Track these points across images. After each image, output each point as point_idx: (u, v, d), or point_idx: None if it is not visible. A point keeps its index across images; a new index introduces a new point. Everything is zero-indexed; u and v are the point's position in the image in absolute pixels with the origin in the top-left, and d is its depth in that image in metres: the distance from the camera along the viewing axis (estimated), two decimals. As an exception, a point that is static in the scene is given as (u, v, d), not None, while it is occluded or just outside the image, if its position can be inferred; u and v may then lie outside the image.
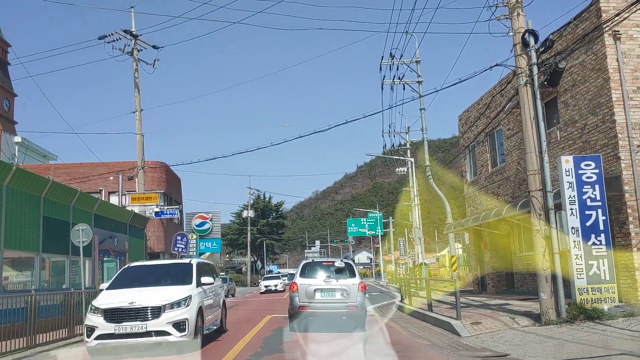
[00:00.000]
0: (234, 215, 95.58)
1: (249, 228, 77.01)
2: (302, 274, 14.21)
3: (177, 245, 24.76)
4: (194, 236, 41.62)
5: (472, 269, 26.08)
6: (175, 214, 28.45)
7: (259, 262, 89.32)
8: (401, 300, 23.13)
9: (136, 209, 28.07)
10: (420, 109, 34.80)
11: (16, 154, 35.48)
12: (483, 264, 24.45)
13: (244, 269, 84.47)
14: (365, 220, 73.27)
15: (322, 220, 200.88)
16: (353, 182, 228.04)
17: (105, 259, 22.32)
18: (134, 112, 28.92)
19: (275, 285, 42.45)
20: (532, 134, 12.79)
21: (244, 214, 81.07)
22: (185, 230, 43.51)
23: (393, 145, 50.32)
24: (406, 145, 50.19)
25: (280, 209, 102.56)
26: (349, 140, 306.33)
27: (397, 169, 52.13)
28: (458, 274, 32.99)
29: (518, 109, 19.44)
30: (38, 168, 33.30)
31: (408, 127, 35.26)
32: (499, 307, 16.29)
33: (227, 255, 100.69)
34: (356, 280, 13.89)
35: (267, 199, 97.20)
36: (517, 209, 17.76)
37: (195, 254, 42.15)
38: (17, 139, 36.06)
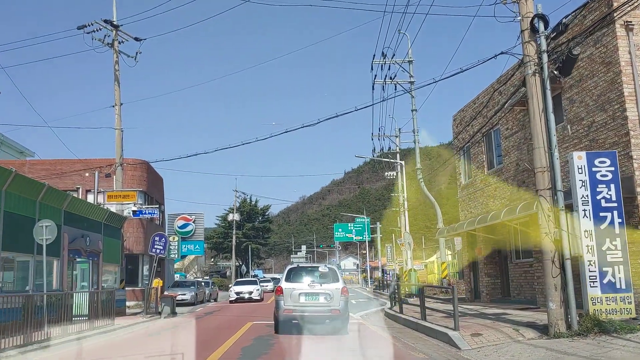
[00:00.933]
0: (220, 218, 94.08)
1: (234, 231, 75.57)
2: (288, 279, 14.68)
3: (155, 246, 23.39)
4: (176, 238, 40.24)
5: (465, 276, 24.95)
6: (154, 213, 27.05)
7: (244, 267, 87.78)
8: (391, 307, 21.94)
9: (113, 208, 26.67)
10: (412, 110, 33.77)
11: (-10, 149, 33.90)
12: (476, 270, 23.33)
13: (228, 273, 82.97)
14: (352, 225, 72.16)
15: (308, 226, 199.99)
16: (340, 188, 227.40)
17: (78, 259, 20.89)
18: (113, 106, 27.53)
19: (250, 293, 34.14)
20: (541, 128, 11.66)
21: (230, 217, 79.67)
22: (167, 232, 42.06)
23: (382, 149, 49.37)
24: (396, 150, 49.25)
25: (267, 213, 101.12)
26: (337, 146, 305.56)
27: (386, 173, 51.15)
28: (448, 280, 31.86)
29: (519, 106, 18.40)
30: (12, 164, 31.71)
31: (399, 129, 34.30)
32: (497, 317, 15.14)
33: (212, 260, 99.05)
34: (339, 284, 14.43)
35: (253, 203, 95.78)
36: (516, 212, 16.64)
37: (177, 256, 40.75)
38: (-9, 133, 34.47)
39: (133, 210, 24.65)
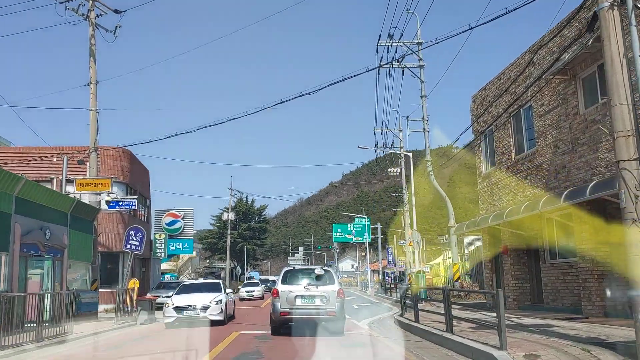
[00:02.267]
0: (214, 218, 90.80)
1: (229, 231, 72.46)
2: (284, 281, 14.59)
3: (130, 241, 20.36)
4: (163, 235, 37.14)
5: (486, 278, 21.89)
6: (132, 205, 23.93)
7: (238, 268, 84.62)
8: (401, 314, 18.87)
9: (87, 200, 23.61)
10: (422, 97, 30.80)
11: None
12: (500, 272, 20.27)
13: (222, 275, 79.77)
14: (352, 225, 68.98)
15: (306, 228, 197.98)
16: (338, 190, 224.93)
17: (34, 255, 17.75)
18: (88, 85, 24.50)
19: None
20: (623, 78, 8.64)
21: (225, 216, 76.49)
22: (154, 229, 38.97)
23: (385, 144, 46.41)
24: (400, 145, 46.19)
25: (263, 213, 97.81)
26: (335, 148, 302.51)
27: (389, 170, 48.10)
28: (461, 283, 28.83)
29: (561, 76, 15.41)
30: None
31: (407, 117, 31.01)
32: (543, 330, 12.07)
33: (207, 260, 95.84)
34: (335, 287, 14.37)
35: (249, 202, 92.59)
36: (561, 200, 13.63)
37: (163, 255, 37.63)
38: (-41, 118, 31.34)
39: (107, 201, 21.53)
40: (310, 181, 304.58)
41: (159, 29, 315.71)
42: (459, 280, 28.34)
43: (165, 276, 55.11)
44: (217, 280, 20.61)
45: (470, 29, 13.01)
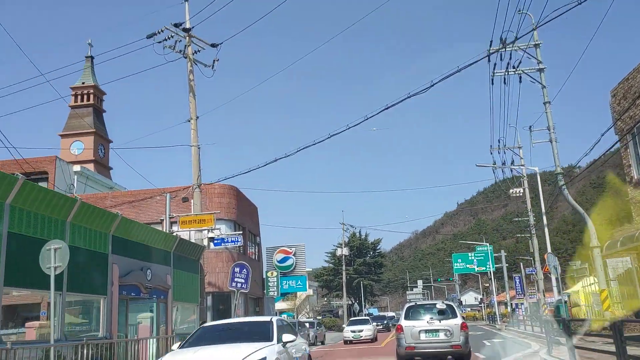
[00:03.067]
0: (329, 255, 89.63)
1: (343, 267, 70.66)
2: (407, 316, 14.90)
3: (235, 279, 19.03)
4: (275, 273, 35.95)
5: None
6: (238, 241, 22.74)
7: (356, 305, 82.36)
8: (549, 353, 15.76)
9: (192, 239, 22.75)
10: (545, 103, 27.47)
11: (74, 184, 31.69)
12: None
13: (340, 313, 77.83)
14: (473, 255, 64.56)
15: (423, 261, 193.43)
16: (454, 220, 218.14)
17: (135, 297, 16.73)
18: (188, 121, 23.95)
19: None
20: None
21: (338, 252, 74.92)
22: (266, 267, 37.97)
23: (504, 163, 42.82)
24: (520, 163, 42.54)
25: (378, 247, 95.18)
26: (448, 177, 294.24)
27: (511, 191, 44.16)
28: (612, 314, 24.72)
29: None
30: (93, 197, 29.14)
31: (530, 127, 27.78)
32: None
33: (325, 298, 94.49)
34: (458, 320, 14.57)
35: (363, 237, 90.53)
36: None
37: (276, 294, 36.37)
38: (76, 168, 32.36)
39: (210, 238, 20.44)
40: (423, 212, 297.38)
41: (248, 61, 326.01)
42: (609, 310, 24.28)
43: (283, 315, 54.12)
44: (266, 319, 10.64)
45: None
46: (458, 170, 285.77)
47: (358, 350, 25.01)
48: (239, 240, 22.76)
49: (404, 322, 14.68)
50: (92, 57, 55.25)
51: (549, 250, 26.39)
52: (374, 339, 32.74)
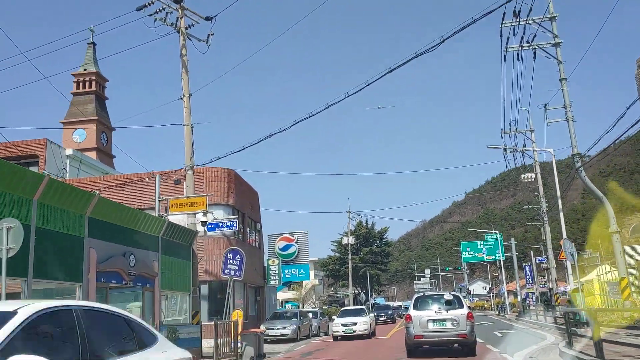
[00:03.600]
0: (334, 243, 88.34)
1: (349, 256, 69.35)
2: (415, 307, 15.56)
3: (228, 266, 17.68)
4: (276, 261, 34.63)
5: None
6: (233, 226, 21.34)
7: (362, 294, 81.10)
8: (570, 346, 14.32)
9: (184, 223, 21.40)
10: (561, 80, 25.90)
11: (67, 168, 30.42)
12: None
13: (346, 302, 76.68)
14: (482, 243, 63.07)
15: (431, 250, 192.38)
16: (462, 210, 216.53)
17: (117, 285, 15.39)
18: (181, 98, 22.54)
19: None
20: None
21: (344, 241, 73.58)
22: (267, 255, 36.66)
23: (516, 147, 41.30)
24: (532, 147, 41.10)
25: (385, 236, 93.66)
26: (455, 167, 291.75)
27: (522, 176, 42.60)
28: (634, 303, 23.23)
29: None
30: (84, 182, 27.84)
31: (545, 105, 26.18)
32: None
33: (332, 288, 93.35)
34: (464, 310, 15.15)
35: (369, 225, 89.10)
36: None
37: (278, 283, 35.08)
38: (68, 151, 31.07)
39: (202, 222, 19.04)
40: (431, 202, 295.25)
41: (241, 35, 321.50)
42: (630, 299, 22.80)
43: (287, 305, 52.93)
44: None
45: None
46: (467, 156, 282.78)
47: (354, 345, 23.59)
48: (235, 225, 21.36)
49: (412, 312, 15.36)
50: (94, 44, 53.99)
51: (565, 236, 24.88)
52: (370, 334, 26.50)
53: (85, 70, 51.36)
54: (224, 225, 21.27)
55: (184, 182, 21.59)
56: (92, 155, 41.25)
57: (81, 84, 50.79)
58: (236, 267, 17.91)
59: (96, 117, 47.99)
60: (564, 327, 24.54)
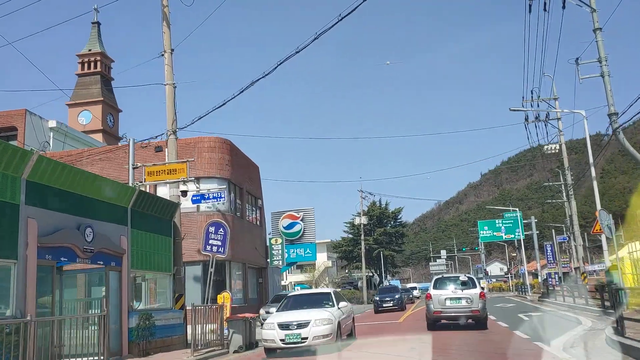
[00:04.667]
0: (347, 225, 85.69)
1: (362, 237, 66.80)
2: (435, 287, 17.78)
3: (210, 241, 15.16)
4: (279, 240, 32.09)
5: None
6: (221, 197, 18.58)
7: (376, 276, 78.63)
8: (621, 332, 11.60)
9: (166, 194, 18.87)
10: (595, 30, 22.81)
11: (50, 141, 28.02)
12: None
13: (359, 285, 74.25)
14: (500, 222, 60.13)
15: (446, 232, 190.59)
16: (478, 191, 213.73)
17: (64, 261, 12.88)
18: (162, 55, 19.91)
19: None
20: None
21: (357, 221, 70.95)
22: (271, 234, 34.11)
23: (538, 116, 38.25)
24: (557, 116, 38.19)
25: (399, 217, 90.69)
26: (471, 148, 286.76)
27: (545, 147, 39.51)
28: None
29: None
30: (65, 154, 25.44)
31: (576, 59, 23.14)
32: None
33: (346, 270, 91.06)
34: (477, 290, 17.33)
35: (383, 206, 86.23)
36: None
37: (282, 264, 32.56)
38: (52, 123, 28.68)
39: (182, 191, 16.43)
40: (447, 183, 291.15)
41: None
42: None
43: (296, 287, 50.60)
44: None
45: None
46: (482, 138, 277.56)
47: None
48: (222, 196, 18.67)
49: (432, 291, 17.43)
50: (98, 24, 51.80)
51: (599, 207, 22.01)
52: (336, 338, 13.67)
53: (90, 50, 49.39)
54: (211, 197, 18.65)
55: (166, 149, 19.02)
56: (99, 137, 39.31)
57: (86, 65, 48.94)
58: (219, 243, 15.42)
59: (102, 99, 46.18)
60: (598, 309, 21.93)
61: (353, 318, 16.46)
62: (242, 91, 16.85)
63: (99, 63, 48.85)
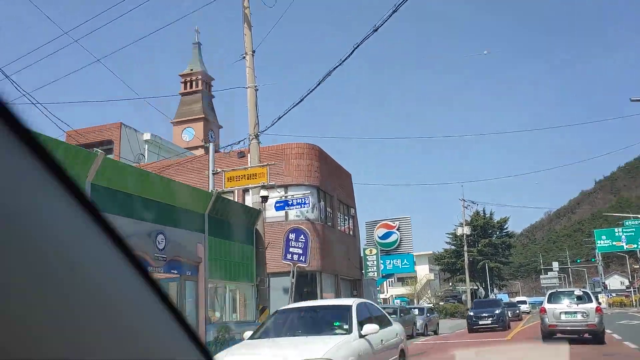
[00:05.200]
0: (449, 236, 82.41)
1: (465, 248, 63.70)
2: (549, 301, 17.79)
3: (290, 249, 14.08)
4: (374, 251, 30.60)
5: None
6: (306, 204, 17.48)
7: (481, 290, 74.80)
8: None
9: (249, 202, 18.05)
10: None
11: (145, 154, 28.47)
12: None
13: (464, 298, 70.90)
14: (620, 230, 55.06)
15: (557, 243, 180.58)
16: (592, 199, 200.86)
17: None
18: (243, 57, 19.28)
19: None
20: None
21: (459, 231, 67.89)
22: (364, 244, 32.71)
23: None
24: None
25: (505, 227, 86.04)
26: (583, 154, 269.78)
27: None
28: None
29: None
30: (158, 165, 25.57)
31: None
32: None
33: (450, 283, 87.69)
34: (593, 304, 17.08)
35: (487, 215, 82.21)
36: None
37: (377, 275, 31.02)
38: (146, 135, 29.15)
39: (263, 196, 15.48)
40: (557, 192, 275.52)
41: None
42: None
43: (396, 301, 48.78)
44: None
45: None
46: (592, 139, 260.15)
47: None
48: (307, 202, 17.58)
49: (547, 305, 17.50)
50: (199, 44, 53.58)
51: None
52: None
53: (191, 70, 51.26)
54: (295, 203, 17.64)
55: (248, 155, 18.26)
56: (200, 152, 40.22)
57: (188, 84, 50.83)
58: (300, 251, 14.33)
59: (203, 116, 47.66)
60: None
61: (402, 350, 9.69)
62: (319, 83, 15.66)
63: (200, 82, 50.47)
